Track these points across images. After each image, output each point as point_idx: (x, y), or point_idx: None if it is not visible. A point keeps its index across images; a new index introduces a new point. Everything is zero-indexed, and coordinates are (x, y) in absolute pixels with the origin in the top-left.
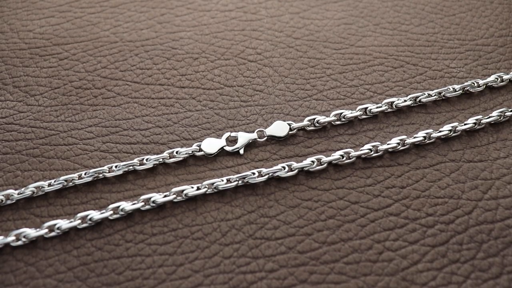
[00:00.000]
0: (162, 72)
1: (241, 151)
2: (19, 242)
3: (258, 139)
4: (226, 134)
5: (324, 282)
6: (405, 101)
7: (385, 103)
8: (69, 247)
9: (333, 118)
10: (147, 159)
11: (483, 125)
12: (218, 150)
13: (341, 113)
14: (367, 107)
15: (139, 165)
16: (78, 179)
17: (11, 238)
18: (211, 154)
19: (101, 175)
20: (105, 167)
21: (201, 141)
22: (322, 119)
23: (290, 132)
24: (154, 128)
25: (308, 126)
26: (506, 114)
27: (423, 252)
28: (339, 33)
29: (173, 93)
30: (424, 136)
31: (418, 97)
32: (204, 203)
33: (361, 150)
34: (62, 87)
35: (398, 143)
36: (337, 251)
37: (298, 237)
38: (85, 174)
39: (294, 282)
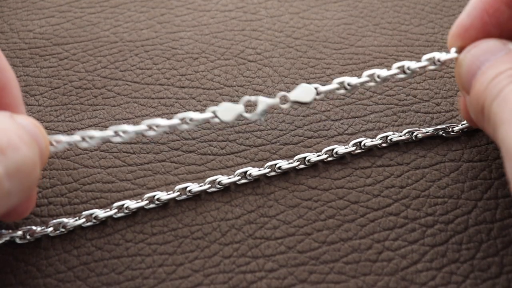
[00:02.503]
0: (162, 72)
1: (262, 119)
2: (25, 240)
3: (281, 105)
4: (245, 99)
5: (324, 281)
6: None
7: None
8: (69, 247)
9: (366, 78)
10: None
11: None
12: (236, 116)
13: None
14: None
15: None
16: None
17: (19, 234)
18: (227, 122)
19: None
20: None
21: (217, 106)
22: (353, 80)
23: (316, 97)
24: None
25: (338, 89)
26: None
27: (423, 252)
28: (339, 33)
29: (173, 93)
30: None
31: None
32: (204, 203)
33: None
34: (62, 87)
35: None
36: (337, 250)
37: (297, 237)
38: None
39: (293, 282)
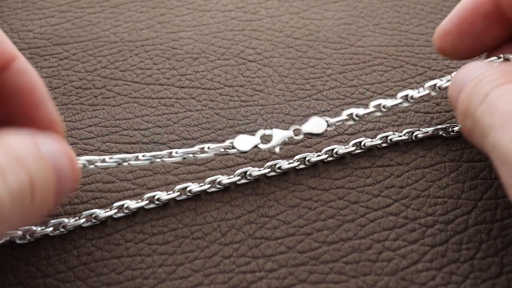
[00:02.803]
0: (162, 72)
1: (277, 150)
2: (25, 240)
3: (295, 137)
4: (260, 132)
5: (324, 281)
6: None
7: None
8: (69, 247)
9: (373, 109)
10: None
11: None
12: (252, 147)
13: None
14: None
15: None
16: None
17: (19, 234)
18: (244, 152)
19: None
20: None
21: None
22: (361, 112)
23: (327, 129)
24: (154, 128)
25: (347, 121)
26: None
27: (423, 252)
28: (339, 33)
29: (173, 93)
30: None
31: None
32: (204, 203)
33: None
34: (62, 87)
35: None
36: (337, 250)
37: (297, 237)
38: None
39: (293, 282)
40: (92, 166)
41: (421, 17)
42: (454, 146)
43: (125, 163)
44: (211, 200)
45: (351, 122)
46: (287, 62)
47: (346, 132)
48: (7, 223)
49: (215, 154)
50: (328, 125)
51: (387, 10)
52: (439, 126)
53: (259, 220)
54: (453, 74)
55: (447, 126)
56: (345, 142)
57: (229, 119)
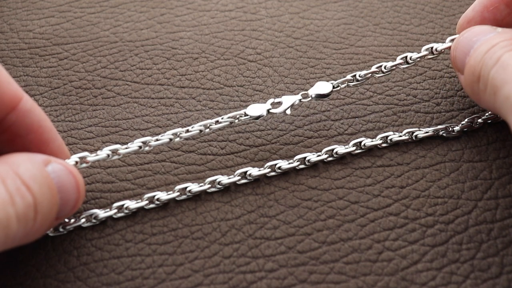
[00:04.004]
0: (162, 72)
1: (288, 111)
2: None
3: (303, 99)
4: (270, 100)
5: (324, 281)
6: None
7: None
8: (69, 247)
9: (375, 69)
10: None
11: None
12: (264, 113)
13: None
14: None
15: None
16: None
17: None
18: (257, 117)
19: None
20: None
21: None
22: (362, 73)
23: (333, 89)
24: (154, 128)
25: (350, 82)
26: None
27: (423, 252)
28: (339, 33)
29: (173, 93)
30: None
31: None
32: (204, 203)
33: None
34: (62, 87)
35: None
36: (337, 251)
37: (297, 237)
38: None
39: (293, 282)
40: (116, 156)
41: (421, 17)
42: (454, 146)
43: (147, 147)
44: (211, 200)
45: (354, 83)
46: (287, 62)
47: (346, 132)
48: (11, 241)
49: (230, 123)
50: (333, 86)
51: (387, 10)
52: (439, 126)
53: (259, 220)
54: (450, 38)
55: (447, 126)
56: (345, 142)
57: None
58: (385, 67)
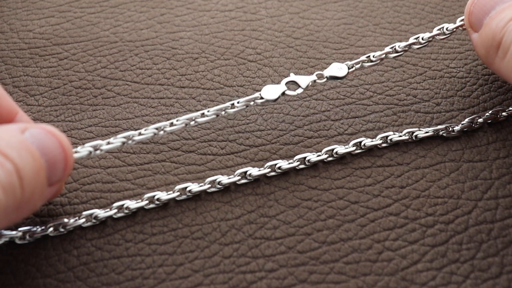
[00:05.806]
0: (162, 72)
1: (301, 90)
2: (25, 241)
3: (318, 80)
4: (285, 80)
5: (324, 282)
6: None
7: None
8: (69, 247)
9: (389, 49)
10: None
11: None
12: (280, 95)
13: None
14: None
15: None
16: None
17: (19, 234)
18: (273, 100)
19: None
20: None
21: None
22: (377, 53)
23: (349, 71)
24: None
25: (365, 62)
26: (502, 114)
27: (423, 252)
28: (339, 33)
29: (173, 93)
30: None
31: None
32: (204, 203)
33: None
34: (62, 87)
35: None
36: (337, 251)
37: (298, 237)
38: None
39: (293, 282)
40: (130, 141)
41: (421, 17)
42: (454, 146)
43: (161, 132)
44: (211, 200)
45: (369, 64)
46: (287, 62)
47: (346, 132)
48: (4, 215)
49: (246, 106)
50: (348, 68)
51: (387, 10)
52: (439, 126)
53: (259, 220)
54: (459, 18)
55: (447, 126)
56: (345, 142)
57: (229, 119)
58: (399, 47)
